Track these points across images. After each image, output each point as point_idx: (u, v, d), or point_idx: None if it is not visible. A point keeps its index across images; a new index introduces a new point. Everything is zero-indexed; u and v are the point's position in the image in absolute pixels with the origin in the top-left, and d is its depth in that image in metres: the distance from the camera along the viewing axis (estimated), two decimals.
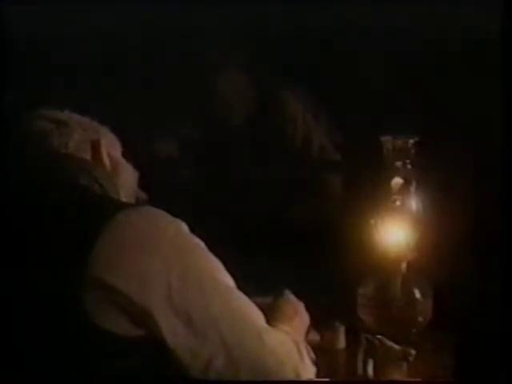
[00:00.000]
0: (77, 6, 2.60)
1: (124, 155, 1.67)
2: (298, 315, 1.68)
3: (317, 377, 1.55)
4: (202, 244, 1.46)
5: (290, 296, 1.73)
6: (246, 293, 1.48)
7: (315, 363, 1.57)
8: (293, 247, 2.55)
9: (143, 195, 1.68)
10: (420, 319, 2.15)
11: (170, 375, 1.40)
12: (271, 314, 1.59)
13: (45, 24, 2.65)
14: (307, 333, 1.71)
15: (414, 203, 2.16)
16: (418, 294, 2.16)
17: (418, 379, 1.86)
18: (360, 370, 1.87)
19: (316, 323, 1.76)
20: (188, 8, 2.63)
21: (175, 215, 1.45)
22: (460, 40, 2.56)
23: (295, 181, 2.78)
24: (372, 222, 2.17)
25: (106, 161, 1.61)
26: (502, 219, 2.29)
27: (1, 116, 1.74)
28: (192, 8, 2.63)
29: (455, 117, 2.59)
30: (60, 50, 2.69)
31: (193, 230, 1.46)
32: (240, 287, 1.48)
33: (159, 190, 1.82)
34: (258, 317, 1.47)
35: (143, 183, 1.69)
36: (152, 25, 2.70)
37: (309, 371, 1.51)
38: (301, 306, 1.72)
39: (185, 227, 1.45)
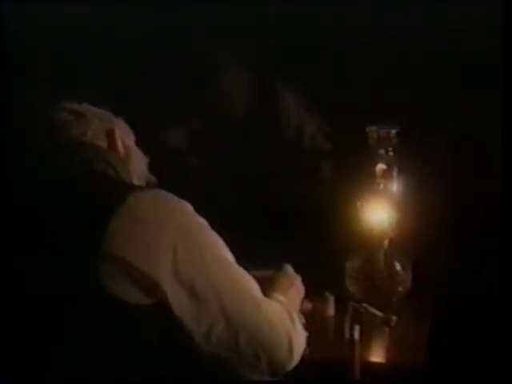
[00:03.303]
0: (77, 5, 2.55)
1: (136, 143, 1.66)
2: (293, 287, 1.66)
3: (308, 341, 1.54)
4: (206, 223, 1.45)
5: (288, 269, 1.71)
6: (244, 267, 1.47)
7: (307, 329, 1.56)
8: (289, 227, 2.54)
9: (153, 179, 1.67)
10: (400, 289, 2.17)
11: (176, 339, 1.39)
12: (270, 285, 1.59)
13: (45, 24, 2.59)
14: (302, 302, 1.70)
15: (395, 187, 2.18)
16: (398, 267, 2.18)
17: None
18: (347, 335, 1.87)
19: (308, 293, 1.75)
20: (189, 7, 2.60)
21: (181, 197, 1.44)
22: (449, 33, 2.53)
23: (289, 167, 2.78)
24: (358, 203, 2.19)
25: (121, 148, 1.60)
26: (475, 199, 2.29)
27: (23, 108, 1.72)
28: (192, 7, 2.60)
29: (435, 107, 2.58)
30: (60, 48, 2.65)
31: (197, 210, 1.45)
32: (239, 262, 1.47)
33: (167, 175, 1.81)
34: (255, 288, 1.47)
35: (153, 168, 1.68)
36: (154, 24, 2.67)
37: (300, 336, 1.50)
38: (298, 279, 1.70)
39: (190, 208, 1.45)
